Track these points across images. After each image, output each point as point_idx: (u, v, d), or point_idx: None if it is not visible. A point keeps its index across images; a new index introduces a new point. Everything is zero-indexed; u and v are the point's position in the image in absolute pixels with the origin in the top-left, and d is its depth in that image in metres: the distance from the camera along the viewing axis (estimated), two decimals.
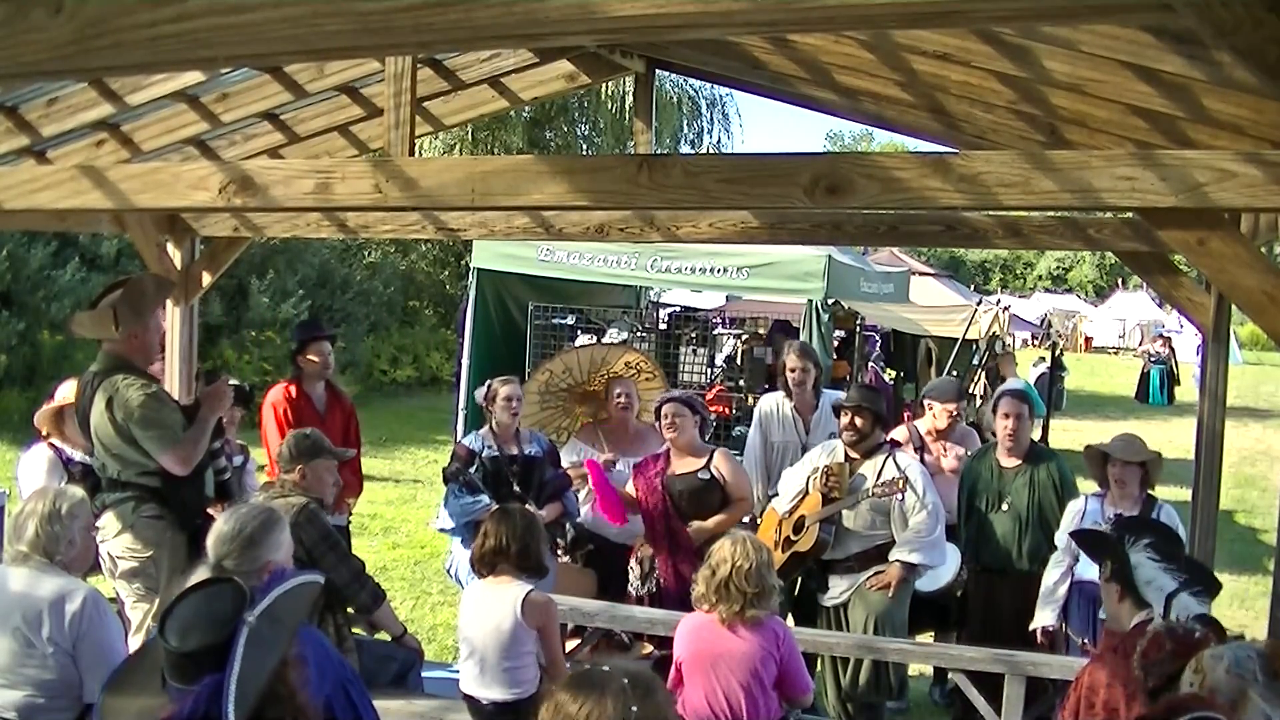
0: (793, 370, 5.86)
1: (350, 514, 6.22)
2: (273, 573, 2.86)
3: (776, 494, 5.52)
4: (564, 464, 5.68)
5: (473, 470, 5.33)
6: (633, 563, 5.31)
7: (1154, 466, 4.84)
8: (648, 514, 5.18)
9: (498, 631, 3.76)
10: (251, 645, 2.05)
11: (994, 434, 5.72)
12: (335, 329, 15.55)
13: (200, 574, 2.79)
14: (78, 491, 3.51)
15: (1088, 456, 5.02)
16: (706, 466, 5.20)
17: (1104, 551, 3.25)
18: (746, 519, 5.78)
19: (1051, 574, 4.92)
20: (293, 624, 2.19)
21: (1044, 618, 4.92)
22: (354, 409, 6.24)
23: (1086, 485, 5.26)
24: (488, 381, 5.62)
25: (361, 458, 6.30)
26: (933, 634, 5.81)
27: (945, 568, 5.35)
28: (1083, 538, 3.72)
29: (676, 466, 5.21)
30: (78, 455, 5.03)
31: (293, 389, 5.84)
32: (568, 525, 5.52)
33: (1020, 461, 5.27)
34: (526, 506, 4.85)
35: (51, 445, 5.10)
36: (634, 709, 2.07)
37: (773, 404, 6.02)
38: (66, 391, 5.06)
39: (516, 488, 5.34)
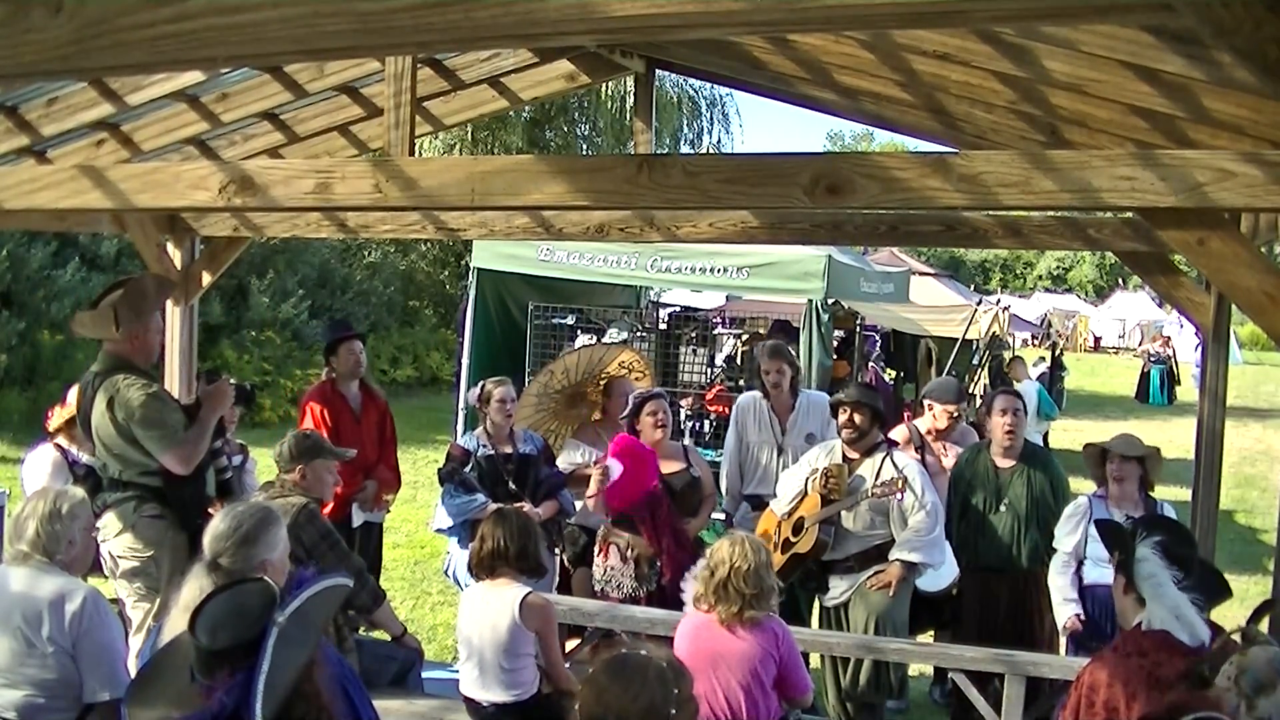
0: (767, 373, 5.80)
1: (388, 510, 6.23)
2: (284, 573, 2.87)
3: (756, 494, 5.55)
4: (563, 464, 5.68)
5: (468, 470, 5.33)
6: (615, 561, 5.14)
7: (1153, 463, 4.84)
8: (646, 514, 5.14)
9: (496, 633, 3.76)
10: (281, 645, 2.09)
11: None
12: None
13: (197, 571, 2.79)
14: (78, 492, 3.51)
15: (1087, 455, 5.03)
16: (691, 465, 5.28)
17: (1115, 542, 3.25)
18: (721, 516, 5.83)
19: (1058, 580, 4.87)
20: (320, 625, 2.22)
21: (1066, 612, 4.81)
22: (388, 406, 6.25)
23: (1084, 486, 5.26)
24: (480, 383, 5.62)
25: (398, 454, 6.31)
26: (933, 633, 5.81)
27: (947, 567, 5.35)
28: (1102, 527, 3.70)
29: (663, 466, 5.23)
30: (84, 457, 5.03)
31: (328, 389, 5.88)
32: (578, 530, 5.51)
33: (1015, 461, 5.27)
34: (522, 506, 4.87)
35: (58, 446, 5.11)
36: (675, 691, 2.14)
37: (749, 403, 6.00)
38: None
39: (512, 486, 5.34)
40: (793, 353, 6.22)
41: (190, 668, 2.16)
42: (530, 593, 3.81)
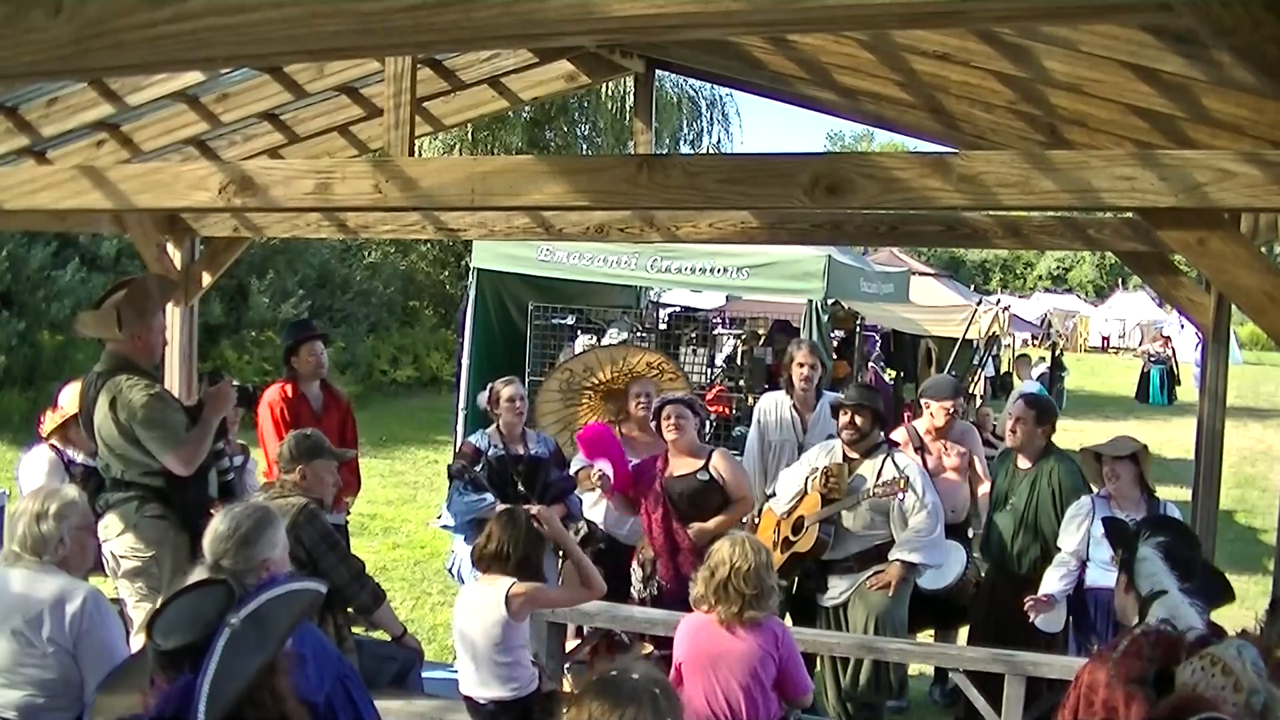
0: (801, 365, 5.82)
1: (349, 512, 6.22)
2: (271, 574, 2.86)
3: (774, 493, 5.52)
4: (575, 466, 5.66)
5: (478, 469, 5.33)
6: (634, 565, 5.30)
7: (1143, 458, 4.88)
8: (647, 516, 5.18)
9: (487, 629, 3.76)
10: (231, 647, 2.05)
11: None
12: (335, 329, 15.57)
13: (198, 573, 2.79)
14: (69, 492, 3.50)
15: (1083, 459, 5.07)
16: (705, 467, 5.18)
17: (1118, 540, 3.26)
18: (745, 519, 5.79)
19: (1049, 575, 4.89)
20: (283, 630, 2.16)
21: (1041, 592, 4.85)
22: (350, 407, 6.23)
23: None
24: (489, 385, 5.61)
25: (359, 456, 6.30)
26: (933, 633, 5.81)
27: (949, 566, 5.37)
28: (1108, 525, 3.72)
29: (675, 468, 5.20)
30: (79, 457, 5.04)
31: (289, 389, 5.83)
32: (580, 523, 5.52)
33: (1031, 464, 5.30)
34: (530, 507, 4.87)
35: (53, 447, 5.10)
36: None
37: (772, 403, 6.01)
38: (70, 396, 5.07)
39: (521, 488, 5.34)
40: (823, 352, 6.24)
41: (150, 671, 2.14)
42: (514, 583, 3.79)
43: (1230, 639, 2.60)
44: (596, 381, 6.10)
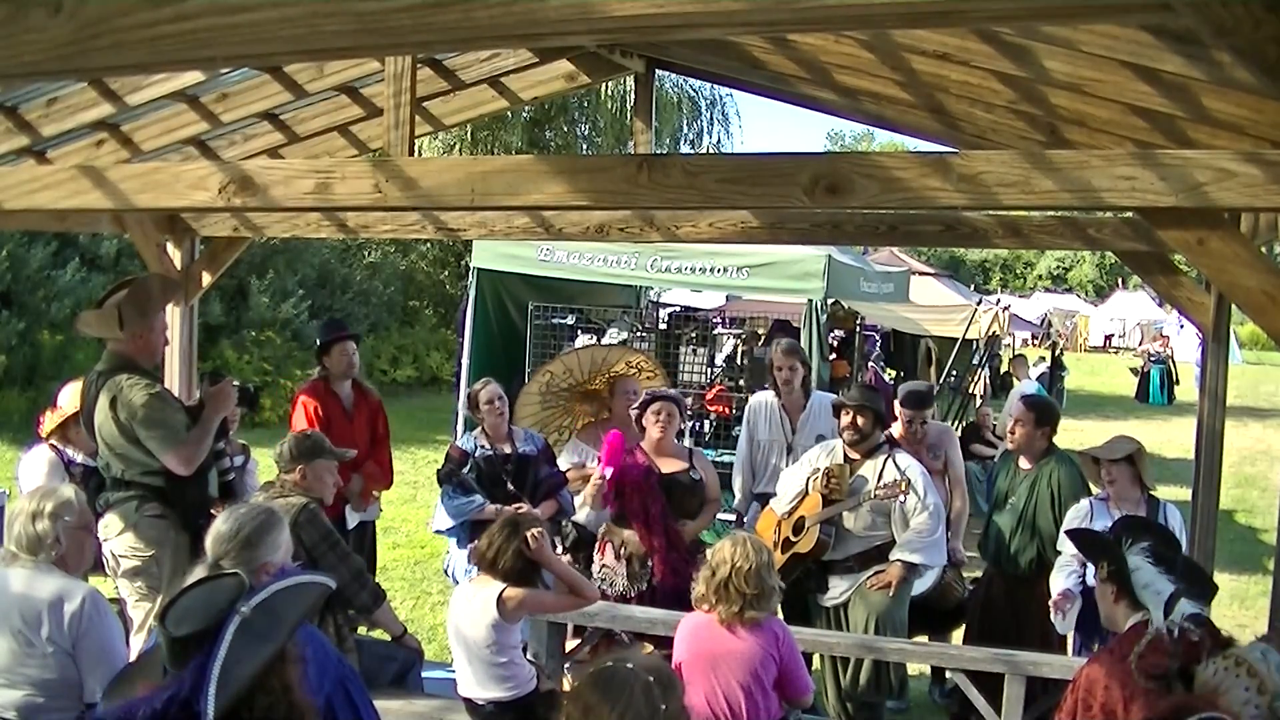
0: (779, 369, 5.86)
1: (379, 505, 6.21)
2: (275, 572, 2.87)
3: (766, 493, 5.53)
4: (563, 464, 5.68)
5: (466, 471, 5.33)
6: (610, 559, 5.17)
7: (1140, 459, 4.87)
8: (640, 512, 5.14)
9: (482, 630, 3.76)
10: (242, 634, 2.07)
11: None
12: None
13: (199, 573, 2.80)
14: (66, 491, 3.50)
15: (1083, 462, 5.07)
16: (694, 467, 5.23)
17: (1100, 552, 3.24)
18: (733, 517, 5.82)
19: (1055, 578, 4.87)
20: (292, 621, 2.19)
21: (1057, 591, 4.78)
22: (381, 404, 6.24)
23: None
24: (468, 391, 5.62)
25: (393, 449, 6.29)
26: (926, 638, 5.80)
27: (932, 570, 5.36)
28: (1078, 537, 3.72)
29: (663, 465, 5.21)
30: (79, 457, 5.04)
31: (321, 388, 5.86)
32: (568, 525, 5.51)
33: (1032, 465, 5.30)
34: (521, 506, 4.86)
35: (53, 447, 5.10)
36: (663, 707, 2.11)
37: (760, 402, 6.04)
38: (69, 396, 5.07)
39: (510, 487, 5.34)
40: (805, 352, 6.22)
41: (158, 666, 2.16)
42: (506, 586, 3.78)
43: (1254, 642, 2.60)
44: (574, 383, 6.10)
